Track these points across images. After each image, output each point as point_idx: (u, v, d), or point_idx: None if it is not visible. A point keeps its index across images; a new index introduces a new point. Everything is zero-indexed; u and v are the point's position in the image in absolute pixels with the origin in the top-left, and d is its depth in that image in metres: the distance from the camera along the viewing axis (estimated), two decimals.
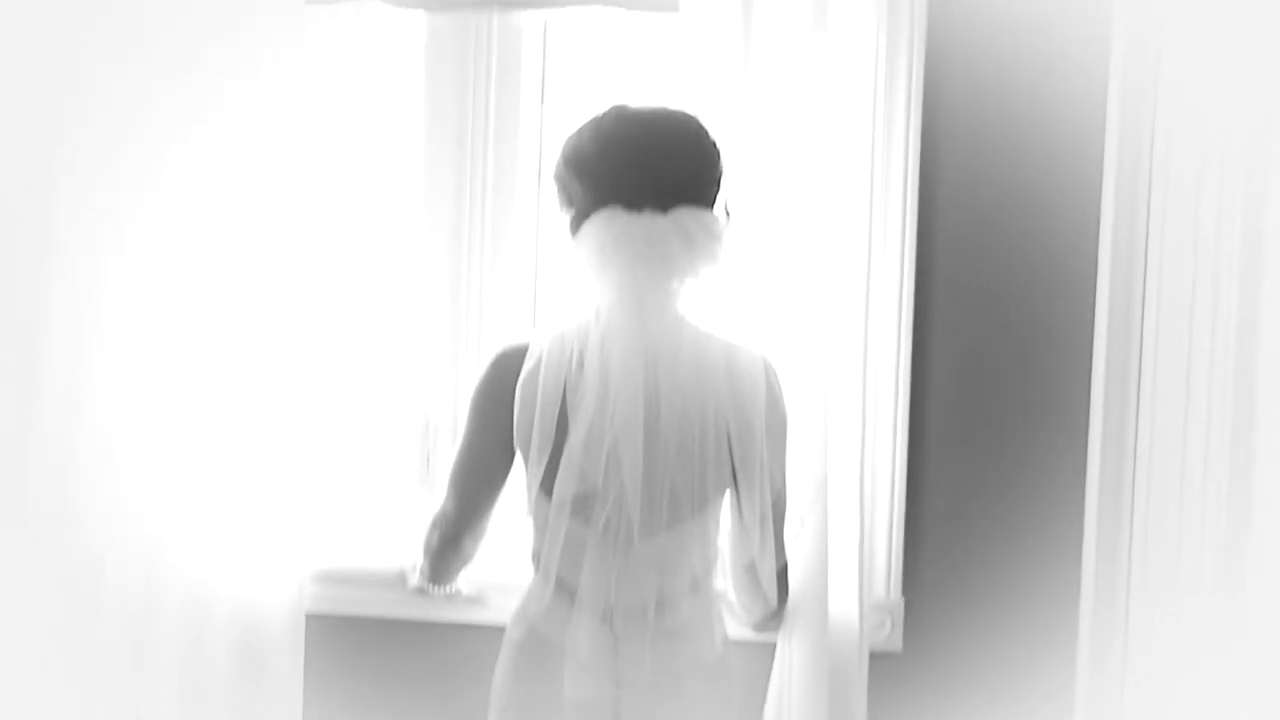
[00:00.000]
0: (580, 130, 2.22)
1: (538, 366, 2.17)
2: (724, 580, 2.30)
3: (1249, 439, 2.06)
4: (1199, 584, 2.16)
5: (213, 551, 2.62)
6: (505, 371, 2.21)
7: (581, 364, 2.16)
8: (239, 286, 2.59)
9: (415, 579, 2.53)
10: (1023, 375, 2.61)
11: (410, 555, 2.59)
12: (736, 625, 2.34)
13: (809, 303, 2.43)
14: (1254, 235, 2.06)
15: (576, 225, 2.20)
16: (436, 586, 2.51)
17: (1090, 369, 2.50)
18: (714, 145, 2.22)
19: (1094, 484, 2.46)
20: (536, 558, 2.22)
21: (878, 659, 2.59)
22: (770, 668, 2.45)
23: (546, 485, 2.16)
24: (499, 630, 2.30)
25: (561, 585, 2.19)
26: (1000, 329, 2.62)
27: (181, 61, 2.56)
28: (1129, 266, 2.40)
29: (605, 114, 2.21)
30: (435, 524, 2.35)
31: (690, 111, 2.25)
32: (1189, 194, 2.23)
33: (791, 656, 2.41)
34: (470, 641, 2.69)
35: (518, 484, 2.26)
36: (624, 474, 2.13)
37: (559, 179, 2.23)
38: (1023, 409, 2.61)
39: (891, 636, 2.62)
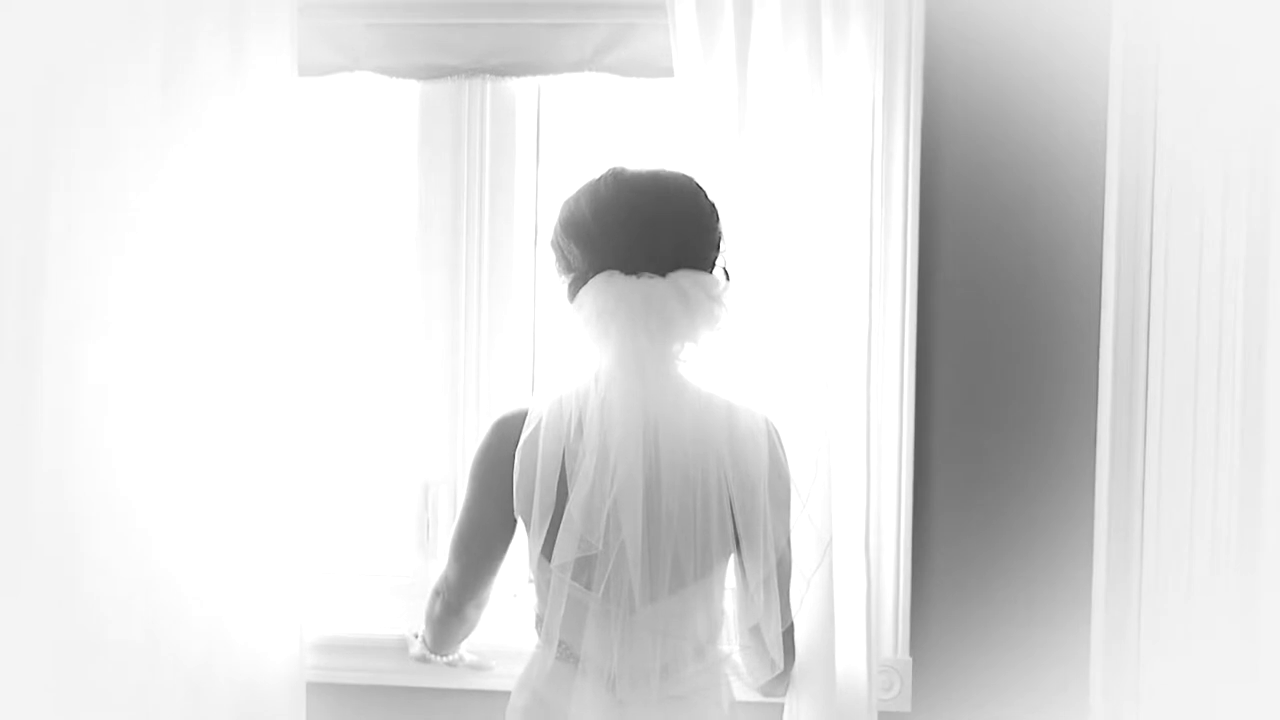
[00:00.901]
0: (577, 195, 2.21)
1: (536, 431, 2.16)
2: (730, 643, 2.29)
3: (1259, 459, 2.04)
4: (1212, 631, 2.14)
5: (212, 622, 2.61)
6: (504, 438, 2.20)
7: (581, 428, 2.15)
8: (239, 354, 2.58)
9: (417, 647, 2.52)
10: (1028, 435, 2.61)
11: (411, 622, 2.58)
12: (744, 688, 2.32)
13: (811, 362, 2.43)
14: (1259, 234, 2.04)
15: (575, 290, 2.19)
16: (438, 654, 2.49)
17: (1096, 426, 2.50)
18: (712, 207, 2.22)
19: (1102, 537, 2.45)
20: (539, 622, 2.20)
21: (886, 719, 2.57)
22: None
23: (548, 550, 2.15)
24: (503, 696, 2.29)
25: (565, 650, 2.18)
26: (1005, 383, 2.62)
27: (175, 137, 2.57)
28: (1133, 308, 2.40)
29: (601, 177, 2.21)
30: (437, 592, 2.33)
31: (687, 173, 2.25)
32: (1192, 200, 2.22)
33: (800, 718, 2.39)
34: (474, 708, 2.68)
35: (520, 549, 2.24)
36: (624, 538, 2.12)
37: (556, 244, 2.22)
38: (1030, 466, 2.61)
39: (900, 696, 2.61)
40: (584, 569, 2.14)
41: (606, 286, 2.15)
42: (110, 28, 2.56)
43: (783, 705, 2.42)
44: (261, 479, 2.60)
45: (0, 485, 2.61)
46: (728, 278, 2.24)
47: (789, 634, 2.26)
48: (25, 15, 2.57)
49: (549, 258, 2.25)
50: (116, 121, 2.57)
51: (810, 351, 2.43)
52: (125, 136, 2.57)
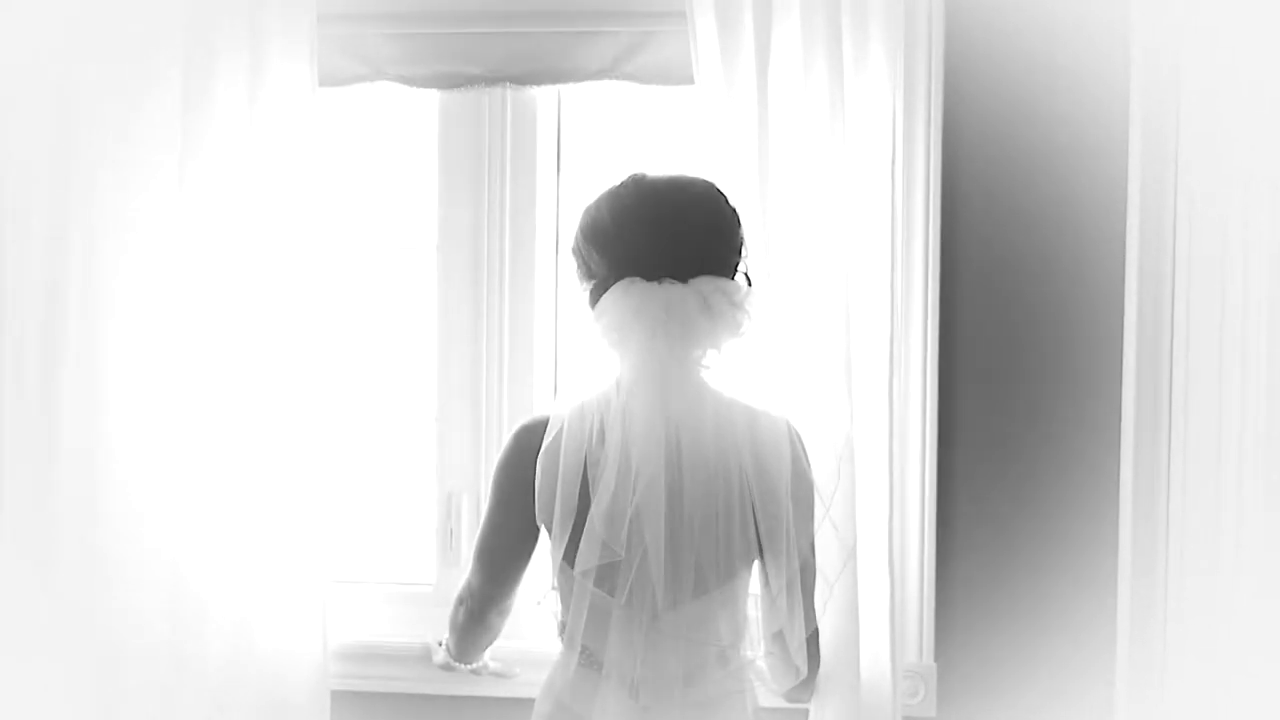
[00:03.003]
0: (598, 201, 2.21)
1: (558, 439, 2.16)
2: (754, 649, 2.28)
3: None
4: (1238, 638, 2.13)
5: (236, 630, 2.62)
6: (527, 446, 2.20)
7: (602, 435, 2.14)
8: (262, 363, 2.59)
9: (441, 655, 2.52)
10: (1052, 439, 2.60)
11: (435, 630, 2.58)
12: (768, 694, 2.32)
13: (833, 367, 2.42)
14: None
15: (596, 297, 2.19)
16: (463, 662, 2.49)
17: (1120, 429, 2.49)
18: (733, 213, 2.21)
19: (1127, 540, 2.44)
20: (563, 629, 2.20)
21: None
22: None
23: (570, 556, 2.15)
24: (527, 703, 2.29)
25: (588, 657, 2.17)
26: (1027, 389, 2.61)
27: (196, 147, 2.58)
28: (1155, 319, 2.39)
29: (622, 184, 2.20)
30: (461, 600, 2.34)
31: (708, 179, 2.24)
32: (1213, 209, 2.22)
33: None
34: (498, 715, 2.69)
35: (544, 556, 2.24)
36: (646, 544, 2.12)
37: (578, 251, 2.22)
38: (1054, 470, 2.60)
39: (925, 702, 2.60)
40: (606, 575, 2.13)
41: (627, 293, 2.15)
42: (130, 38, 2.57)
43: (807, 711, 2.41)
44: (285, 488, 2.61)
45: (24, 494, 2.63)
46: (750, 283, 2.23)
47: (813, 640, 2.25)
48: (47, 29, 2.59)
49: (570, 265, 2.25)
50: (137, 132, 2.58)
51: (832, 357, 2.43)
52: (146, 147, 2.58)
